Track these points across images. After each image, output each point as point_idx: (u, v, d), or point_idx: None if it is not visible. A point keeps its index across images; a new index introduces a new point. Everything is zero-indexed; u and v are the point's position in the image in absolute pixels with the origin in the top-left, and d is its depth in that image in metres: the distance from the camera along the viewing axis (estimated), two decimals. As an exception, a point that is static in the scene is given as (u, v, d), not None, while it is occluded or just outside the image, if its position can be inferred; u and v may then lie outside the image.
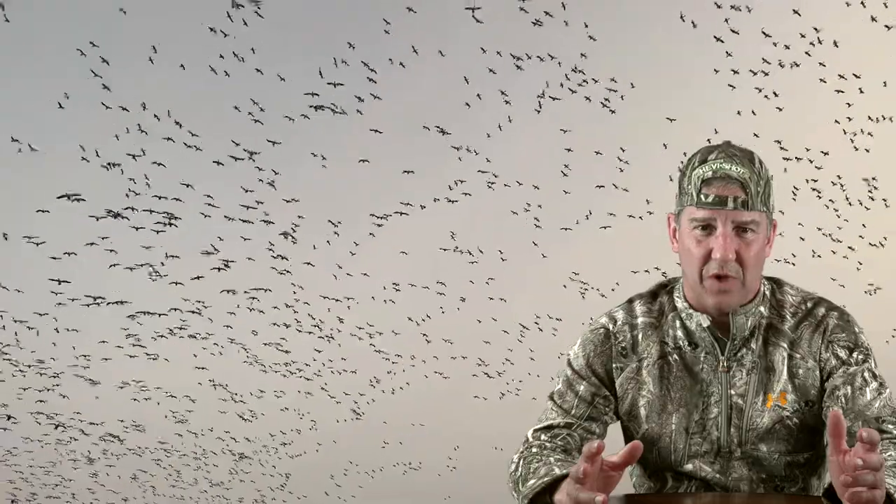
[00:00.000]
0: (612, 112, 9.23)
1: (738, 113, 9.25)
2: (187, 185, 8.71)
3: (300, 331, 10.09)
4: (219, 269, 9.29)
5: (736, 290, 1.80)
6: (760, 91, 9.14)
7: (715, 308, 1.83)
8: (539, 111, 9.24)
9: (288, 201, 9.16)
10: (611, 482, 1.59)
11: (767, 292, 1.91)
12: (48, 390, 9.77)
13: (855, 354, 1.85)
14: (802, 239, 9.70)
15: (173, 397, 10.30)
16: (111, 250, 8.76)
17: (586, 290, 9.94)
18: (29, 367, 9.60)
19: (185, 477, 10.94)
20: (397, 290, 10.00)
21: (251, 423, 10.69)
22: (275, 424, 10.65)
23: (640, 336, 1.93)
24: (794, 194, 9.48)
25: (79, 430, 10.21)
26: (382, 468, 10.83)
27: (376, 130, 9.03)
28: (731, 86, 9.09)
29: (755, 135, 9.05)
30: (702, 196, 1.76)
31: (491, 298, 10.20)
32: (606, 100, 9.22)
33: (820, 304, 1.92)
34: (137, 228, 8.70)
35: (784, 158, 9.28)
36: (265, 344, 10.12)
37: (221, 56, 8.40)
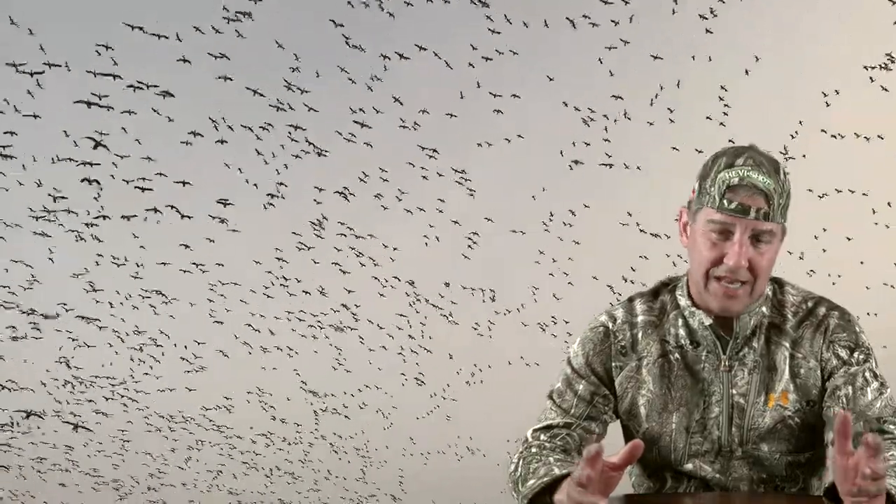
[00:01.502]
0: (710, 32, 8.41)
1: (866, 74, 8.43)
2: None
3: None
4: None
5: (743, 296, 1.82)
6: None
7: (719, 311, 1.85)
8: (627, 42, 8.51)
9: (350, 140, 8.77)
10: (611, 483, 1.60)
11: (769, 292, 1.92)
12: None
13: (856, 354, 1.86)
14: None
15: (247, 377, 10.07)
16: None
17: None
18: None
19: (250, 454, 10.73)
20: (471, 247, 9.49)
21: (324, 399, 10.40)
22: (340, 401, 10.32)
23: (639, 335, 1.95)
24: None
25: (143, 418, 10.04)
26: (442, 451, 10.43)
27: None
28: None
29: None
30: (724, 201, 1.77)
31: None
32: (709, 13, 8.36)
33: (821, 304, 1.93)
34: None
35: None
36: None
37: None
